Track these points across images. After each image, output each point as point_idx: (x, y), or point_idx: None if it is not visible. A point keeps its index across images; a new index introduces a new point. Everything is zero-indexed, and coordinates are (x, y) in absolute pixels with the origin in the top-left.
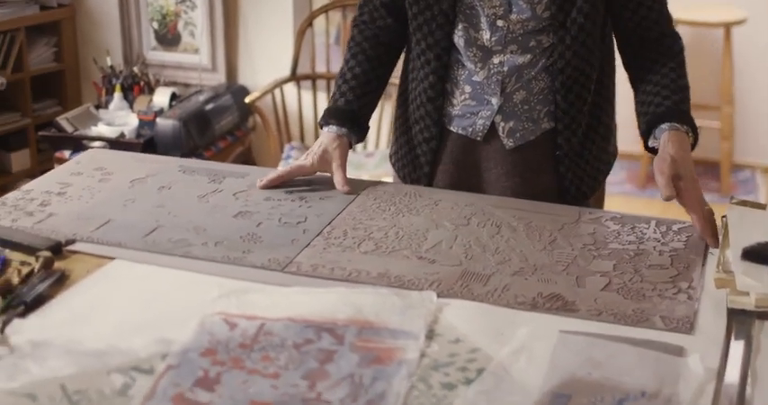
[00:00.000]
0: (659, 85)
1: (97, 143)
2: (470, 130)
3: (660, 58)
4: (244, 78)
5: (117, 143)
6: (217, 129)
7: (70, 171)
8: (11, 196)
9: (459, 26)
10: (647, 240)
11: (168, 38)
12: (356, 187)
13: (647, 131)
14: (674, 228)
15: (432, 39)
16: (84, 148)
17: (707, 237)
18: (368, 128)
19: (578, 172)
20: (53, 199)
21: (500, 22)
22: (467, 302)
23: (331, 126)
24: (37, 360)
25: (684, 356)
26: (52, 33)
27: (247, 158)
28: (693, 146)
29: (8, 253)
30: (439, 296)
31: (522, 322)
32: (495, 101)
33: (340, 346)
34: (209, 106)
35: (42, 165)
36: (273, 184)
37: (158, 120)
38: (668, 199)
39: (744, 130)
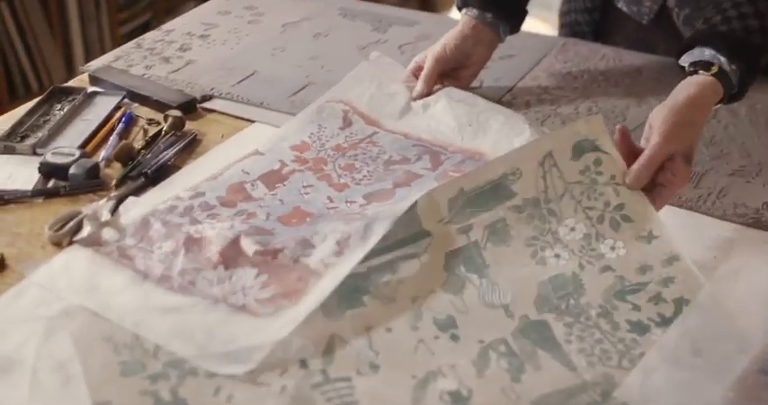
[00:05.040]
0: None
1: None
2: (635, 10)
3: None
4: None
5: None
6: None
7: (217, 9)
8: (149, 36)
9: None
10: None
11: None
12: (542, 46)
13: (684, 46)
14: None
15: None
16: None
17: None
18: (525, 12)
19: None
20: (194, 42)
21: None
22: (671, 208)
23: (470, 8)
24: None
25: None
26: None
27: None
28: (727, 98)
29: (135, 108)
30: None
31: (742, 240)
32: None
33: (431, 172)
34: None
35: None
36: (428, 91)
37: None
38: (632, 187)
39: None
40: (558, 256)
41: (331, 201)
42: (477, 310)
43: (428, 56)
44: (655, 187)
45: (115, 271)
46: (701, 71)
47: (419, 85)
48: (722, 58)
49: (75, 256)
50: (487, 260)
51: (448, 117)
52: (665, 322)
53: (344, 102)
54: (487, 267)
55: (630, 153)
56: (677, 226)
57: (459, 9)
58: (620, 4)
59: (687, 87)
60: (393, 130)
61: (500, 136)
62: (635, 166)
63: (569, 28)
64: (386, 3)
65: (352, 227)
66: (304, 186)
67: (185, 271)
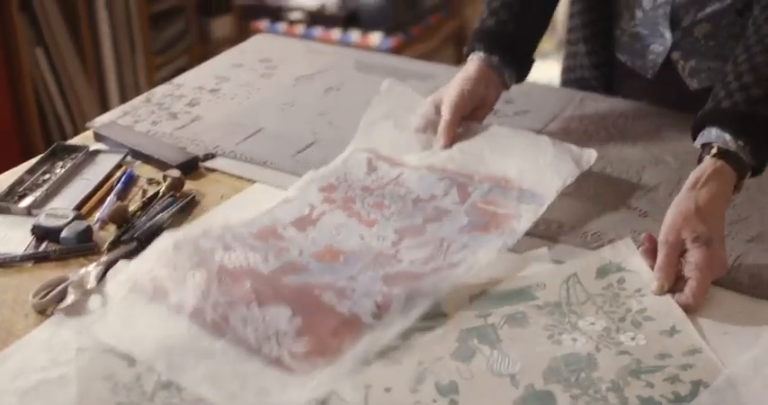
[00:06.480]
0: (738, 64)
1: (295, 14)
2: (639, 64)
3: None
4: None
5: (316, 16)
6: (427, 1)
7: (232, 61)
8: (159, 91)
9: None
10: None
11: None
12: (558, 101)
13: (695, 127)
14: None
15: None
16: (282, 19)
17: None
18: (531, 60)
19: None
20: (204, 97)
21: None
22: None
23: (476, 52)
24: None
25: None
26: None
27: (460, 37)
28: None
29: (138, 166)
30: None
31: (757, 316)
32: (668, 35)
33: (459, 205)
34: None
35: (245, 34)
36: (451, 142)
37: None
38: (659, 294)
39: None
40: (575, 340)
41: (362, 239)
42: (483, 377)
43: (446, 103)
44: (686, 283)
45: (150, 308)
46: (704, 155)
47: (442, 138)
48: (727, 137)
49: (111, 297)
50: (502, 336)
51: (470, 146)
52: (677, 400)
53: (367, 150)
54: (501, 342)
55: None
56: None
57: (466, 56)
58: (624, 59)
59: (693, 173)
60: (417, 166)
61: (525, 159)
62: (654, 274)
63: (576, 84)
64: (436, 60)
65: (392, 292)
66: (335, 227)
67: (218, 304)
